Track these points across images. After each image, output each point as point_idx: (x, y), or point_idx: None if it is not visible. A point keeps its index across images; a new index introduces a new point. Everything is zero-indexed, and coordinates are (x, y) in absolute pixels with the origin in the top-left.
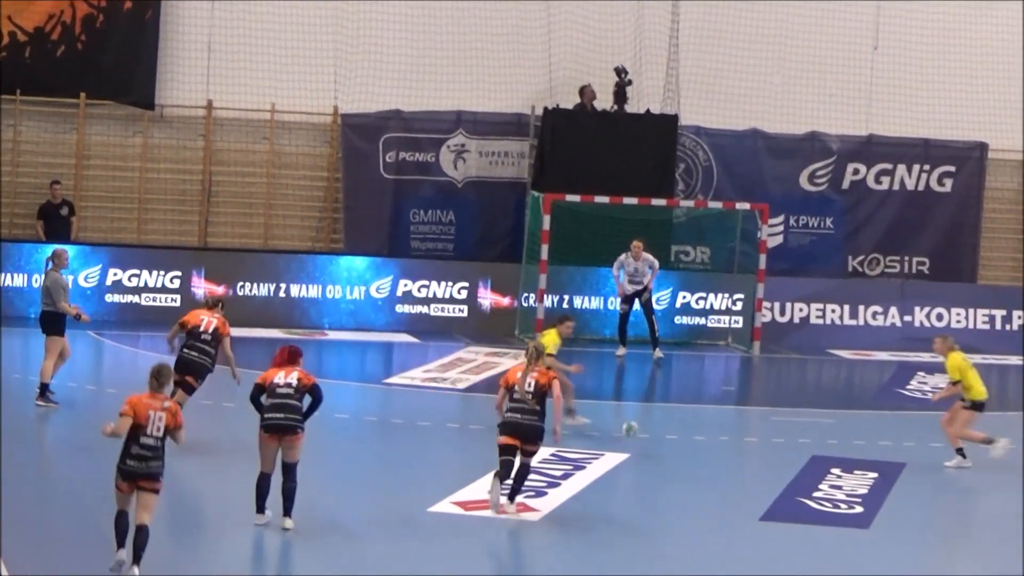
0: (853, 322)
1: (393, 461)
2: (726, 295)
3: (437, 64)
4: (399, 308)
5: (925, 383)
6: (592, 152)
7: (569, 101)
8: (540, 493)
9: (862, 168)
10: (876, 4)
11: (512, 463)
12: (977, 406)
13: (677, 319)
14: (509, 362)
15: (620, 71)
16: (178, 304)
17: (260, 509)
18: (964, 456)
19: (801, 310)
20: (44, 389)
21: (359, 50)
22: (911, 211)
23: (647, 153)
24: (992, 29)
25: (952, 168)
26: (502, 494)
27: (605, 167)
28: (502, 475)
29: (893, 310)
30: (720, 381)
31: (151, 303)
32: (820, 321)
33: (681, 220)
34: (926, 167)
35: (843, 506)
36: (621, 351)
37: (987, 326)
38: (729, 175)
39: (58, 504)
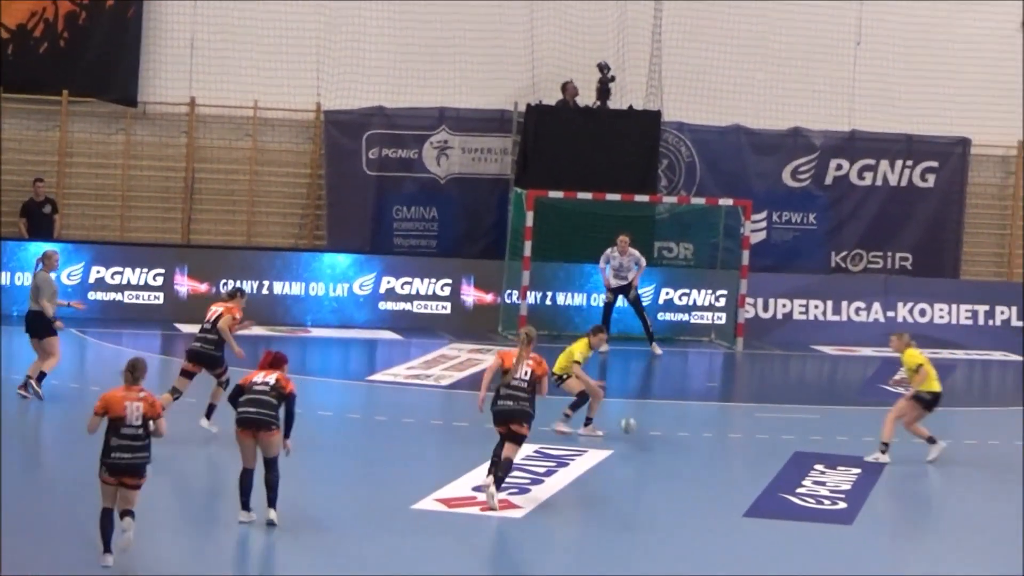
0: (836, 318)
1: (376, 458)
2: (709, 291)
3: (420, 61)
4: (382, 305)
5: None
6: (575, 148)
7: (552, 97)
8: (523, 490)
9: (845, 164)
10: (859, 1)
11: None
12: (927, 402)
13: (660, 315)
14: (492, 359)
15: (603, 67)
16: (161, 302)
17: (244, 506)
18: (884, 451)
19: (784, 306)
20: (39, 379)
21: (342, 47)
22: (894, 207)
23: (630, 149)
24: (974, 24)
25: (935, 164)
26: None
27: (588, 163)
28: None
29: (876, 306)
30: (703, 377)
31: (134, 300)
32: (803, 317)
33: (664, 216)
34: (909, 163)
35: (826, 502)
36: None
37: (970, 321)
38: (712, 171)
39: (40, 502)
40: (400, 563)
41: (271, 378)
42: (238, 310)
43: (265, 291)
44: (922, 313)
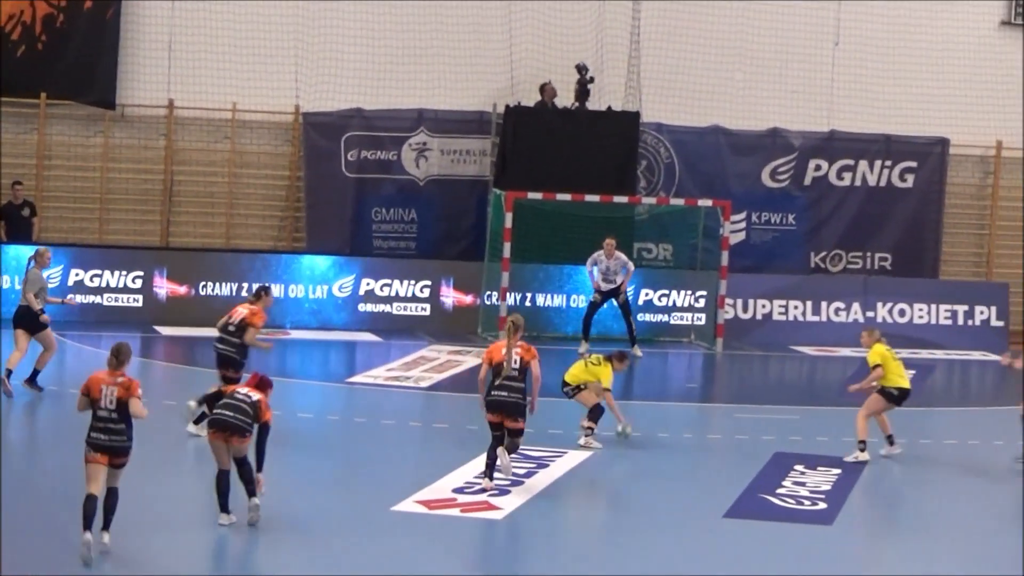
0: (816, 318)
1: (356, 460)
2: (689, 292)
3: (398, 62)
4: (362, 307)
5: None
6: (554, 149)
7: (530, 98)
8: (503, 491)
9: (824, 164)
10: (837, 1)
11: (502, 437)
12: (894, 397)
13: (640, 316)
14: (472, 360)
15: (581, 68)
16: (140, 304)
17: (224, 508)
18: (863, 449)
19: (764, 306)
20: (34, 376)
21: (320, 49)
22: (873, 207)
23: (609, 150)
24: (952, 25)
25: (914, 164)
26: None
27: (567, 164)
28: (496, 445)
29: (856, 306)
30: (683, 378)
31: (113, 303)
32: (783, 317)
33: (643, 217)
34: (888, 163)
35: (806, 502)
36: (583, 347)
37: (949, 321)
38: (691, 172)
39: (18, 501)
40: (380, 565)
41: (254, 395)
42: (262, 314)
43: (245, 293)
44: (901, 313)
